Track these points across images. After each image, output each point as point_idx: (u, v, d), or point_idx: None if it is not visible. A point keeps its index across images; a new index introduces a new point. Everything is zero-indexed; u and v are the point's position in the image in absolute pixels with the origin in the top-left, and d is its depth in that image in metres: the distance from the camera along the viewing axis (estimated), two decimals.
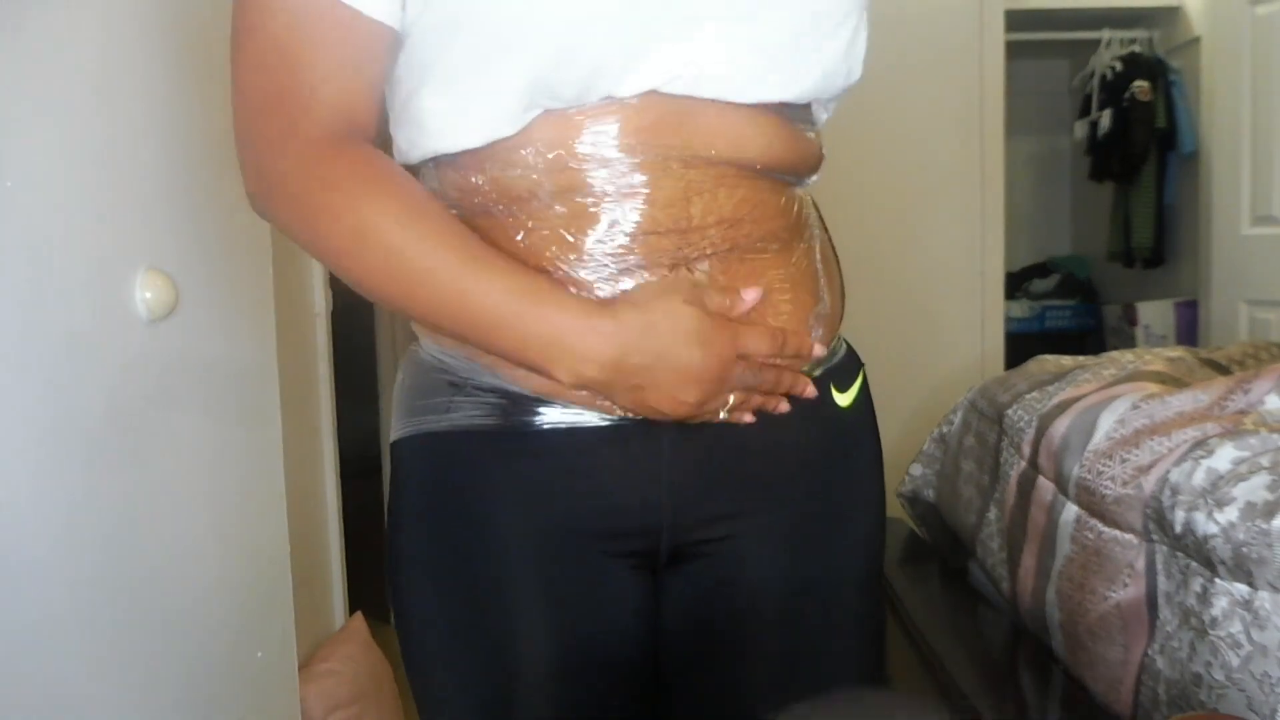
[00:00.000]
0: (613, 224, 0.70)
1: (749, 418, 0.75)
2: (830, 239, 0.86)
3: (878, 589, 0.88)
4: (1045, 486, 1.47)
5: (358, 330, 2.92)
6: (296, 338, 1.88)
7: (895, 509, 2.12)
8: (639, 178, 0.70)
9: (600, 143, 0.70)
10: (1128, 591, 1.25)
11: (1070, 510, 1.39)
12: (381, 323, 3.06)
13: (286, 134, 0.67)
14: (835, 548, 0.83)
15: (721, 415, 0.74)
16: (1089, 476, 1.34)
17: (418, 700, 0.82)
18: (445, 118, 0.71)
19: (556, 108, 0.69)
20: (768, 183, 0.75)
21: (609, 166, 0.70)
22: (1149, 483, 1.23)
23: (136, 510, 1.13)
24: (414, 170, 0.75)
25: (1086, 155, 3.84)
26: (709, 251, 0.72)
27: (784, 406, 0.76)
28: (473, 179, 0.72)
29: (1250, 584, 1.07)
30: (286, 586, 1.47)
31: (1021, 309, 4.00)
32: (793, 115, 0.77)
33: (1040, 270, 4.30)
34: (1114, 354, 1.78)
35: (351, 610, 2.14)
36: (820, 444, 0.81)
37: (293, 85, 0.67)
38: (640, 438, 0.74)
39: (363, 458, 3.04)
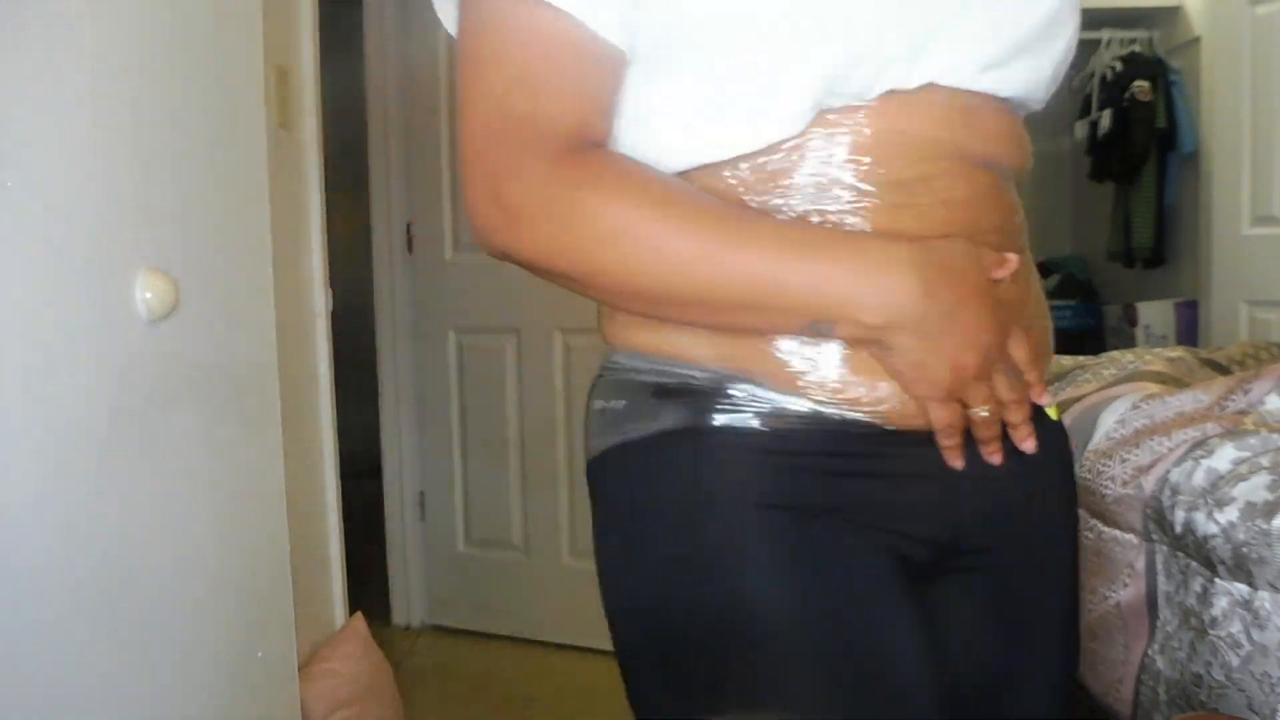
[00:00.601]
0: (893, 222, 0.67)
1: (997, 457, 0.70)
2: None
3: (1077, 624, 0.85)
4: None
5: (358, 330, 2.91)
6: (296, 338, 1.88)
7: None
8: (930, 174, 0.68)
9: (885, 139, 0.67)
10: (1128, 591, 1.25)
11: None
12: (382, 323, 3.06)
13: (527, 156, 0.65)
14: (1050, 582, 0.80)
15: (980, 414, 0.68)
16: (1089, 476, 1.34)
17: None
18: (712, 132, 0.68)
19: (836, 105, 0.67)
20: (1010, 192, 0.75)
21: (891, 164, 0.67)
22: (1149, 483, 1.23)
23: (136, 510, 1.13)
24: None
25: (1086, 155, 3.84)
26: None
27: (1031, 445, 0.71)
28: (726, 174, 0.68)
29: (1250, 584, 1.07)
30: (286, 586, 1.47)
31: None
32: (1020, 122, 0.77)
33: (1040, 270, 4.27)
34: (1114, 354, 1.78)
35: (351, 610, 2.14)
36: (1067, 468, 0.80)
37: (533, 111, 0.65)
38: (922, 444, 0.69)
39: (363, 458, 3.04)
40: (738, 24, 0.65)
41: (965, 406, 0.68)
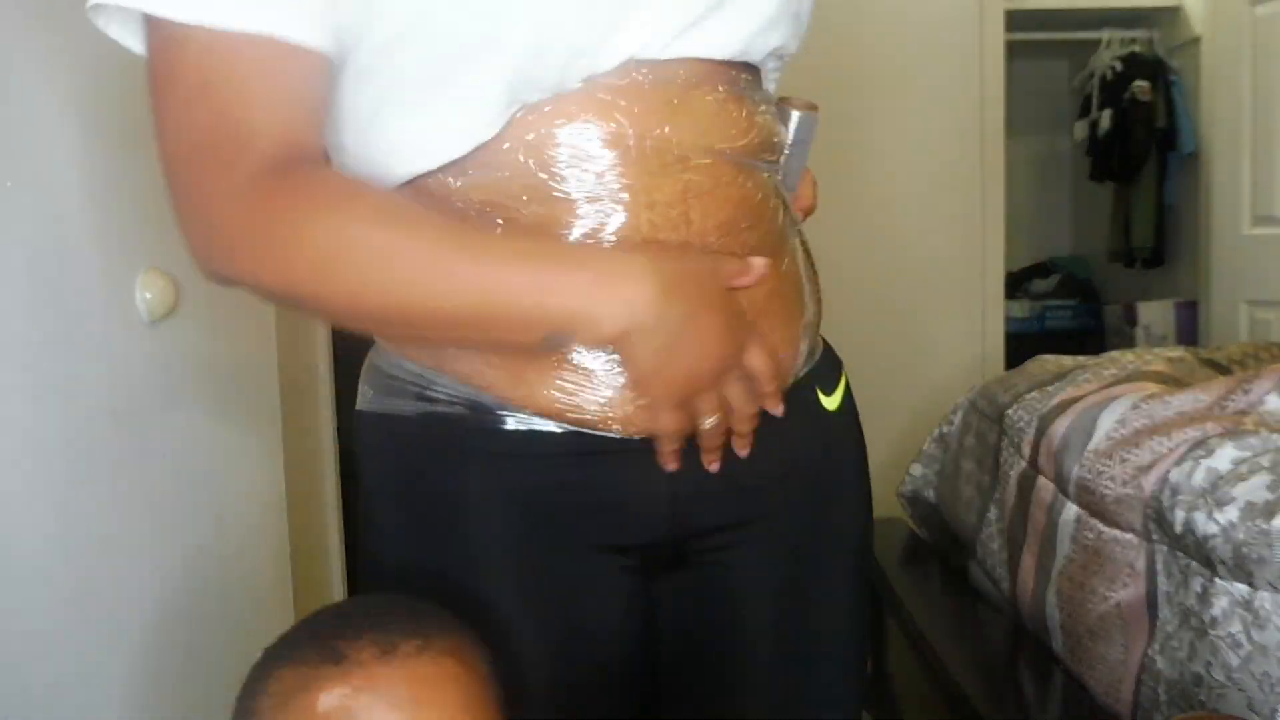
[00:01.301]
0: (599, 228, 0.66)
1: (715, 465, 0.71)
2: (804, 241, 0.83)
3: (866, 593, 0.88)
4: (1045, 486, 1.47)
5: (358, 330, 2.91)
6: (296, 338, 1.88)
7: (895, 509, 2.11)
8: (630, 176, 0.66)
9: (584, 134, 0.66)
10: (1128, 591, 1.25)
11: (1070, 510, 1.39)
12: None
13: (223, 173, 0.60)
14: (826, 554, 0.82)
15: (708, 423, 0.69)
16: (1089, 476, 1.34)
17: None
18: (420, 135, 0.66)
19: (534, 100, 0.65)
20: (755, 183, 0.72)
21: (592, 161, 0.66)
22: (1149, 483, 1.23)
23: (136, 510, 1.13)
24: None
25: (1086, 155, 3.84)
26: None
27: (744, 453, 0.72)
28: (450, 181, 0.67)
29: (1250, 584, 1.07)
30: (286, 586, 1.47)
31: (1021, 309, 4.00)
32: (751, 89, 0.73)
33: (1040, 270, 4.29)
34: (1114, 354, 1.78)
35: None
36: (812, 452, 0.80)
37: (222, 123, 0.60)
38: (642, 451, 0.70)
39: None
40: (420, 26, 0.62)
41: (695, 415, 0.68)
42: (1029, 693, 1.47)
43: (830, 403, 0.82)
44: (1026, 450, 1.55)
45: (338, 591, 2.12)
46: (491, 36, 0.63)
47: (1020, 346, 2.99)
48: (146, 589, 1.14)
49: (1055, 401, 1.54)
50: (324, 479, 2.06)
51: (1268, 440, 1.17)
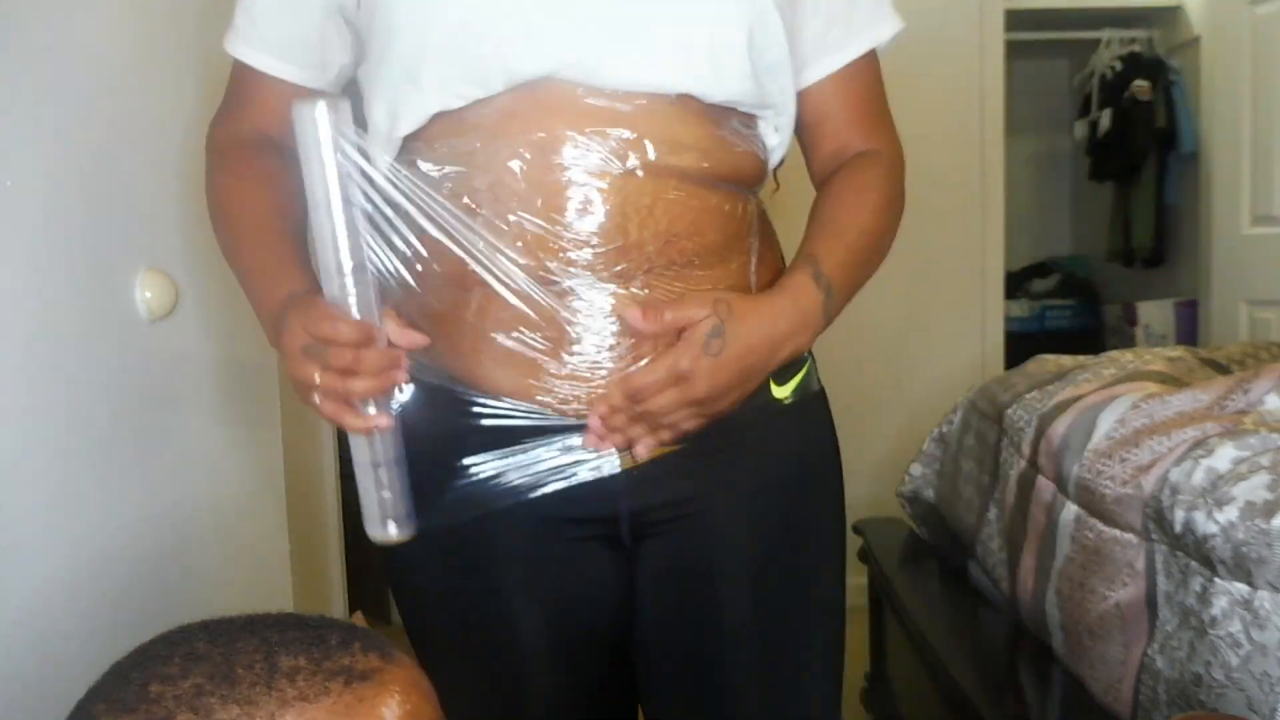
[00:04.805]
0: (532, 236, 0.76)
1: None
2: (776, 243, 0.90)
3: (840, 550, 0.93)
4: (1045, 486, 1.47)
5: None
6: None
7: (895, 509, 2.12)
8: (578, 189, 0.75)
9: (506, 143, 0.76)
10: (1127, 591, 1.25)
11: (1070, 510, 1.39)
12: None
13: (221, 125, 0.92)
14: (793, 517, 0.88)
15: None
16: (1089, 476, 1.34)
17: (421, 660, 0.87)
18: (383, 117, 0.81)
19: (454, 107, 0.77)
20: (707, 196, 0.78)
21: (523, 175, 0.75)
22: (1149, 482, 1.23)
23: (136, 510, 1.13)
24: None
25: (1086, 155, 3.84)
26: (645, 267, 0.76)
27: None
28: (419, 164, 0.80)
29: (1250, 584, 1.07)
30: (286, 586, 1.47)
31: (1021, 309, 4.00)
32: (720, 119, 0.80)
33: (1040, 270, 4.29)
34: (1114, 354, 1.78)
35: (351, 610, 2.14)
36: (764, 433, 0.86)
37: (231, 103, 0.92)
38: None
39: None
40: (380, 27, 0.79)
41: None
42: (1029, 692, 1.48)
43: (781, 392, 0.87)
44: (1026, 450, 1.55)
45: (338, 591, 2.12)
46: (418, 29, 0.77)
47: (1020, 346, 2.99)
48: (146, 588, 1.14)
49: (1055, 401, 1.54)
50: (324, 479, 2.06)
51: (1267, 440, 1.17)
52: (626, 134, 0.74)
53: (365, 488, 0.78)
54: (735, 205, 0.82)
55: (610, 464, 0.80)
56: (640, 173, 0.75)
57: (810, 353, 0.90)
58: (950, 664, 1.49)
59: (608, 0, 0.75)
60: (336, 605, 2.12)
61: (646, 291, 0.77)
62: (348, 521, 2.16)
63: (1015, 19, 3.18)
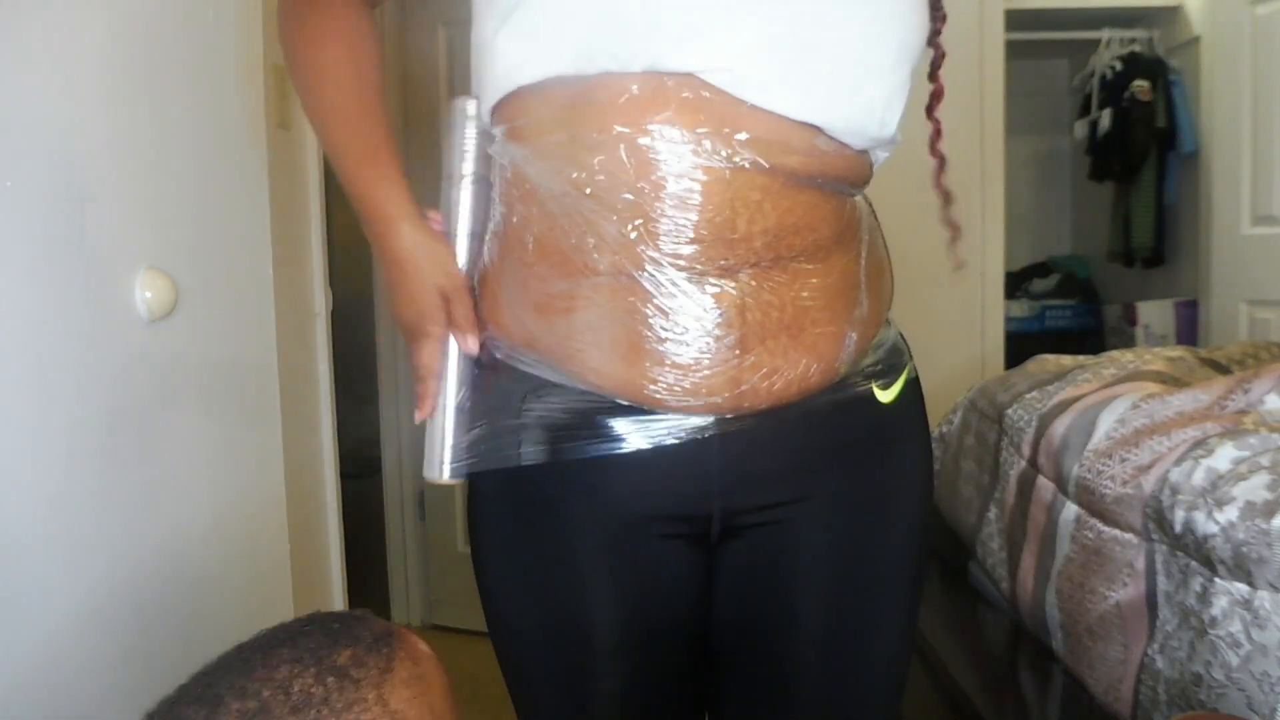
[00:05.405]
0: (650, 222, 0.74)
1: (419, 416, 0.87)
2: (882, 238, 0.92)
3: (919, 576, 0.94)
4: (1045, 486, 1.47)
5: (358, 330, 2.91)
6: (296, 338, 1.88)
7: None
8: (687, 181, 0.73)
9: (621, 126, 0.73)
10: (1127, 591, 1.25)
11: (1070, 510, 1.39)
12: (381, 323, 3.06)
13: None
14: (878, 535, 0.88)
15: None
16: (1089, 476, 1.34)
17: (504, 666, 0.92)
18: (515, 58, 0.78)
19: (593, 72, 0.73)
20: (816, 193, 0.78)
21: (654, 154, 0.73)
22: (1149, 482, 1.23)
23: (136, 510, 1.13)
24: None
25: (1086, 155, 3.83)
26: (752, 261, 0.76)
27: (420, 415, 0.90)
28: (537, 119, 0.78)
29: (1250, 583, 1.07)
30: (286, 586, 1.47)
31: (1021, 309, 4.00)
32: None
33: (1040, 270, 4.29)
34: (1114, 354, 1.78)
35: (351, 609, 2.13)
36: (861, 438, 0.86)
37: None
38: (692, 441, 0.79)
39: (363, 458, 3.04)
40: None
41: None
42: (1029, 692, 1.47)
43: (885, 395, 0.88)
44: (1026, 450, 1.55)
45: (338, 591, 2.12)
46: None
47: (1020, 346, 2.99)
48: (146, 588, 1.14)
49: (1055, 401, 1.54)
50: (324, 479, 2.06)
51: (1267, 440, 1.17)
52: (743, 135, 0.74)
53: (434, 430, 0.87)
54: (843, 202, 0.82)
55: (699, 423, 0.79)
56: (749, 168, 0.74)
57: (908, 349, 0.94)
58: (950, 664, 1.49)
59: (787, 25, 0.73)
60: (336, 605, 2.12)
61: (754, 284, 0.76)
62: (348, 521, 2.16)
63: (1015, 19, 3.18)
